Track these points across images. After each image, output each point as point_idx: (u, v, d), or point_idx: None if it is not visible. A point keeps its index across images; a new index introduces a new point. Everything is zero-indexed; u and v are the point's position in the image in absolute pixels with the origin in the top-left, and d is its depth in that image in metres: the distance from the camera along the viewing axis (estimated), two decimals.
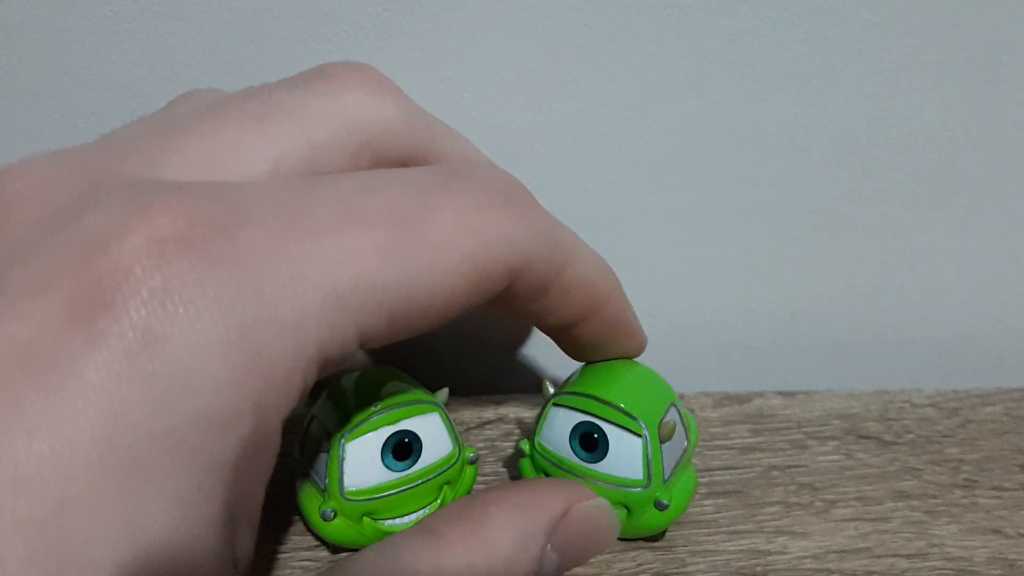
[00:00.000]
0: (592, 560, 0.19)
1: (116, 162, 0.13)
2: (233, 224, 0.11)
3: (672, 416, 0.19)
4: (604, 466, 0.18)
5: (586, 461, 0.18)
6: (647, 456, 0.18)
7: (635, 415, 0.18)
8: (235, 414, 0.11)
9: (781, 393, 0.25)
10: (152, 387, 0.10)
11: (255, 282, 0.11)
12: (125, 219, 0.11)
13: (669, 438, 0.18)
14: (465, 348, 0.27)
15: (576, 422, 0.18)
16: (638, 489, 0.18)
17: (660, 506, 0.18)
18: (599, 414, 0.18)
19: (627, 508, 0.18)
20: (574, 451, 0.18)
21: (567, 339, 0.18)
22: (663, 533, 0.20)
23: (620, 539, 0.19)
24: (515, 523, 0.14)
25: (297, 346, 0.11)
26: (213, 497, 0.11)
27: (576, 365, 0.20)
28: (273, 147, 0.14)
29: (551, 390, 0.19)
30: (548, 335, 0.18)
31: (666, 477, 0.18)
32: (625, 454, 0.18)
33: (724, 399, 0.25)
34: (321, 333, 0.12)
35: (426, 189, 0.13)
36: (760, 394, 0.25)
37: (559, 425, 0.19)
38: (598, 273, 0.16)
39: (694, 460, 0.21)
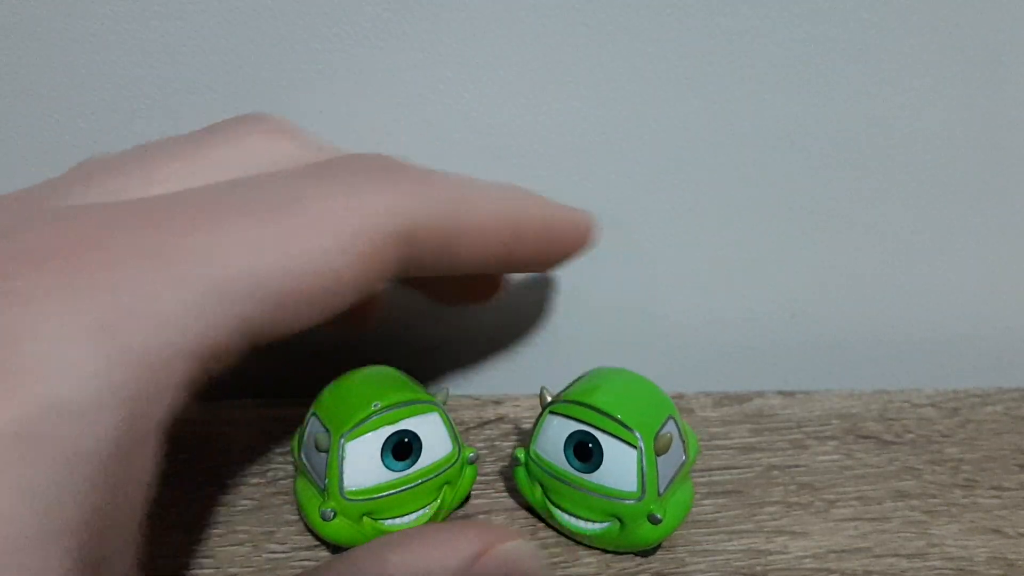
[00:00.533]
0: (590, 559, 0.19)
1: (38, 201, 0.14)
2: (104, 230, 0.12)
3: (670, 429, 0.18)
4: (598, 476, 0.18)
5: (580, 471, 0.18)
6: (641, 468, 0.18)
7: (631, 426, 0.18)
8: (98, 404, 0.10)
9: (781, 393, 0.25)
10: (3, 379, 0.10)
11: (123, 279, 0.11)
12: (5, 239, 0.12)
13: (665, 451, 0.18)
14: (465, 348, 0.27)
15: (571, 431, 0.18)
16: (631, 501, 0.18)
17: (653, 520, 0.18)
18: (594, 423, 0.18)
19: (620, 520, 0.18)
20: (568, 460, 0.18)
21: (523, 265, 0.18)
22: (655, 548, 0.19)
23: (612, 552, 0.19)
24: (418, 570, 0.13)
25: (172, 338, 0.11)
26: (72, 493, 0.10)
27: (578, 370, 0.20)
28: (160, 190, 0.14)
29: (548, 397, 0.19)
30: (511, 273, 0.17)
31: (661, 490, 0.18)
32: (619, 465, 0.18)
33: (724, 399, 0.25)
34: (199, 325, 0.12)
35: (301, 179, 0.14)
36: (760, 394, 0.25)
37: (554, 433, 0.19)
38: (503, 202, 0.16)
39: None
